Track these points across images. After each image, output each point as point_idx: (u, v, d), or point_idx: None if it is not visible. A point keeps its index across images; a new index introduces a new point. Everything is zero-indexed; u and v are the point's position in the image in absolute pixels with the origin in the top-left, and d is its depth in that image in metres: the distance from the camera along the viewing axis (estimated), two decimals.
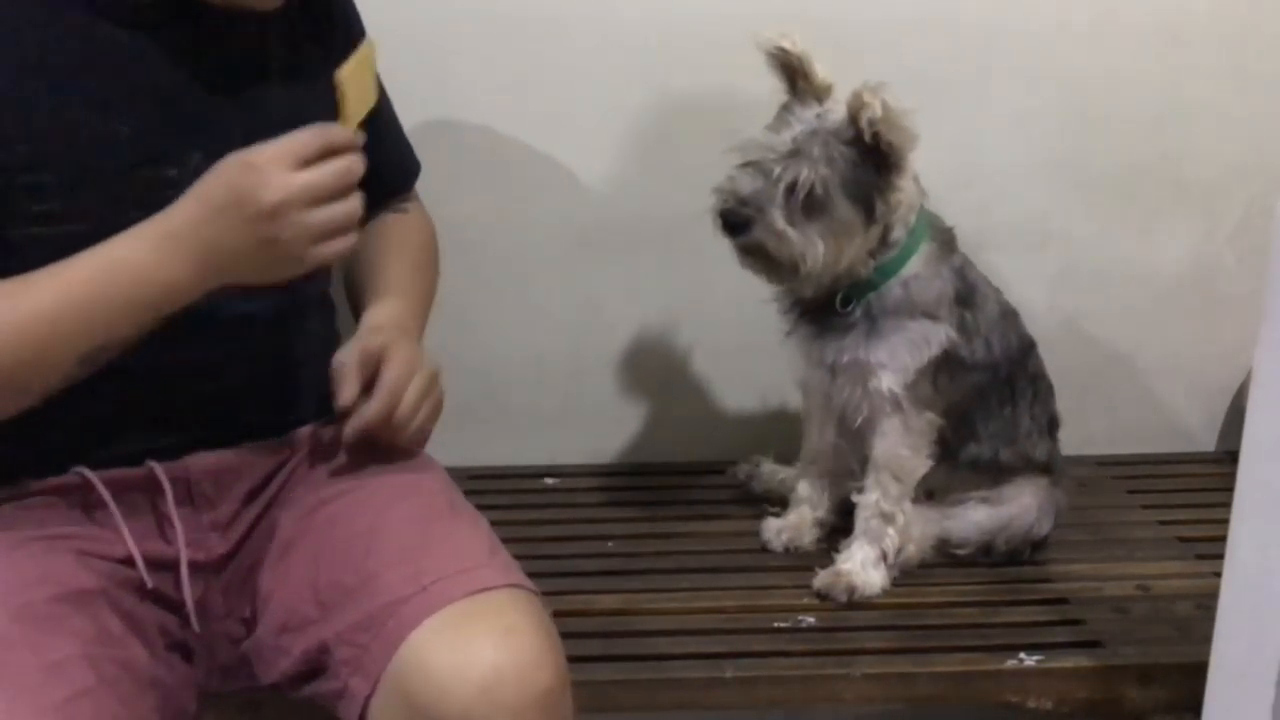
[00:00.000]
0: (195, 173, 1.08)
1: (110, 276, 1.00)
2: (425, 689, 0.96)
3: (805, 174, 1.22)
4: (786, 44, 1.25)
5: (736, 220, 1.25)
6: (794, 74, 1.27)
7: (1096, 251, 1.69)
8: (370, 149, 1.29)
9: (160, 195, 1.07)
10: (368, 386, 1.13)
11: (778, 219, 1.23)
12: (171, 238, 1.00)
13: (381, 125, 1.34)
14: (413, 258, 1.34)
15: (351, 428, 1.13)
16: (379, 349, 1.14)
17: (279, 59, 1.16)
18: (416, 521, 1.11)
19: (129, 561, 1.09)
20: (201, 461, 1.14)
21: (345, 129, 1.03)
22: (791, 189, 1.23)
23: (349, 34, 1.26)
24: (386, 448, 1.17)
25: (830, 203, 1.23)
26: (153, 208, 1.06)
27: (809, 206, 1.23)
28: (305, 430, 1.23)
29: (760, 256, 1.27)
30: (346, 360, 1.13)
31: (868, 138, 1.21)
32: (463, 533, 1.11)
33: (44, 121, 1.03)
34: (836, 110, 1.25)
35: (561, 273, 1.66)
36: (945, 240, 1.36)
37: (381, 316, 1.21)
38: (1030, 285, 1.63)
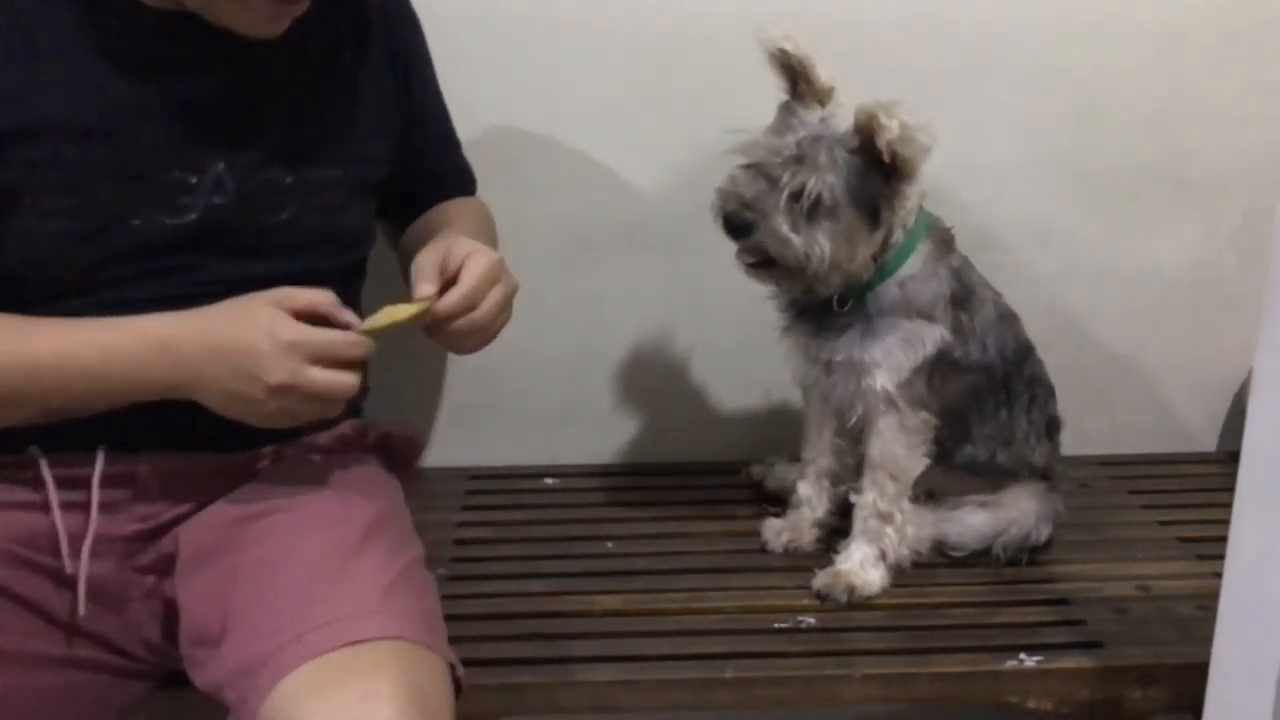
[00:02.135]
0: (216, 182, 1.10)
1: (103, 359, 1.03)
2: None
3: (812, 182, 1.21)
4: (789, 46, 1.24)
5: (739, 223, 1.25)
6: (796, 76, 1.26)
7: (1097, 251, 1.69)
8: (426, 160, 1.36)
9: (176, 201, 1.09)
10: (444, 287, 1.12)
11: (781, 224, 1.23)
12: (171, 351, 1.03)
13: (437, 136, 1.40)
14: (479, 221, 1.36)
15: (435, 320, 1.11)
16: (464, 252, 1.13)
17: (311, 70, 1.16)
18: (319, 558, 1.08)
19: (42, 542, 1.09)
20: (155, 460, 1.14)
21: (368, 342, 1.07)
22: (797, 196, 1.22)
23: (392, 40, 1.26)
24: (455, 343, 1.15)
25: (836, 209, 1.23)
26: (168, 212, 1.09)
27: (813, 212, 1.23)
28: (268, 449, 1.21)
29: (767, 266, 1.27)
30: (426, 259, 1.12)
31: (886, 158, 1.20)
32: (361, 574, 1.07)
33: (65, 121, 1.04)
34: (841, 115, 1.24)
35: (562, 272, 1.65)
36: (943, 240, 1.36)
37: (459, 231, 1.22)
38: (1030, 285, 1.63)
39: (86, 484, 1.12)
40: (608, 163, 1.61)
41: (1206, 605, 1.24)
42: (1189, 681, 1.13)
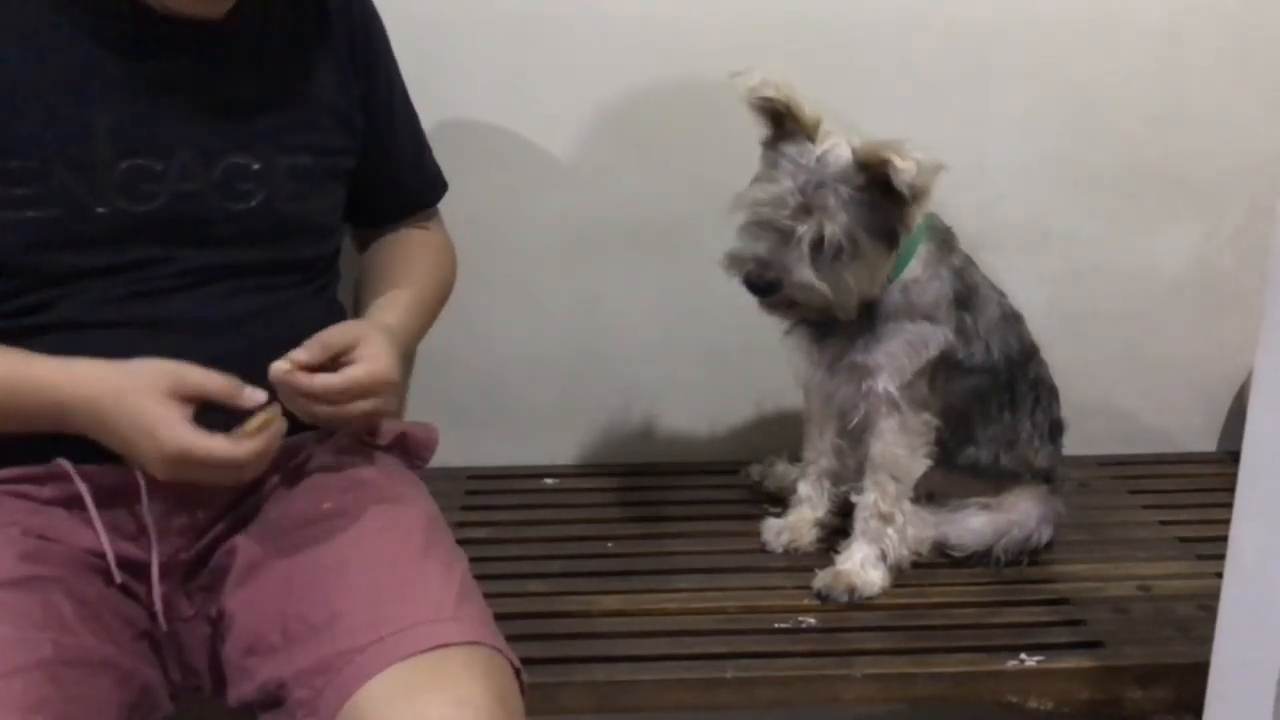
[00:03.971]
0: (183, 168, 1.10)
1: (28, 389, 1.05)
2: None
3: (830, 230, 1.20)
4: (772, 93, 1.22)
5: (763, 284, 1.24)
6: (780, 117, 1.25)
7: (1097, 251, 1.69)
8: (392, 162, 1.32)
9: (142, 187, 1.09)
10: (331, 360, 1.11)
11: (807, 275, 1.22)
12: (61, 413, 1.04)
13: (405, 139, 1.36)
14: (425, 269, 1.34)
15: (284, 379, 1.07)
16: (366, 353, 1.11)
17: (273, 60, 1.16)
18: (386, 562, 1.09)
19: (93, 551, 1.09)
20: None
21: (249, 446, 1.05)
22: (817, 244, 1.21)
23: (354, 37, 1.25)
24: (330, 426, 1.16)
25: (857, 247, 1.22)
26: (134, 198, 1.09)
27: (837, 257, 1.22)
28: (294, 441, 1.20)
29: (792, 307, 1.27)
30: (332, 335, 1.11)
31: (907, 195, 1.18)
32: (432, 578, 1.08)
33: (17, 109, 1.05)
34: (836, 151, 1.22)
35: (561, 272, 1.65)
36: (944, 240, 1.36)
37: (389, 318, 1.21)
38: (1031, 285, 1.63)
39: (121, 497, 1.11)
40: (608, 163, 1.61)
41: (1207, 605, 1.25)
42: (1189, 681, 1.13)
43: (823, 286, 1.23)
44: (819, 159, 1.22)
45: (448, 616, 1.03)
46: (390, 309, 1.24)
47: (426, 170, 1.41)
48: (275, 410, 1.07)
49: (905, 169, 1.16)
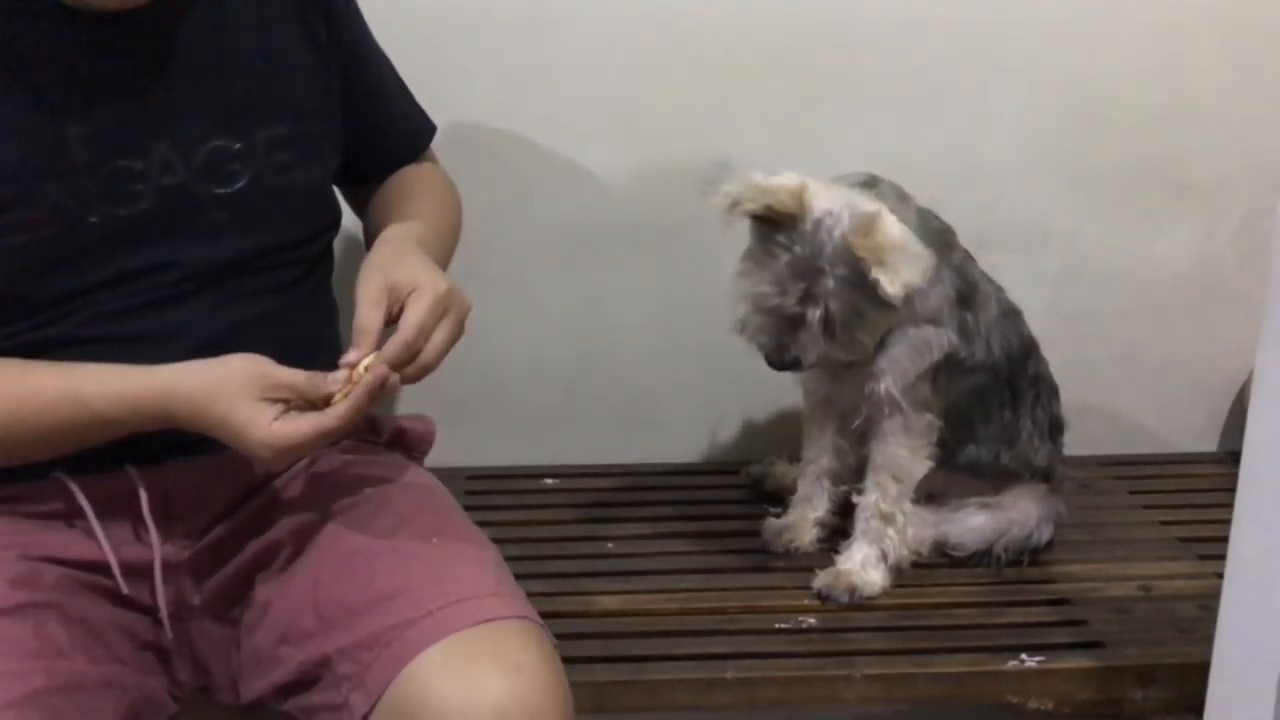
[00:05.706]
0: (162, 163, 1.08)
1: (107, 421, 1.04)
2: (429, 717, 0.95)
3: (835, 307, 1.22)
4: (751, 207, 1.21)
5: (787, 363, 1.27)
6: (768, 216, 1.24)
7: (1098, 251, 1.69)
8: (374, 118, 1.28)
9: (126, 189, 1.07)
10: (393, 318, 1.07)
11: (824, 348, 1.25)
12: (188, 407, 1.03)
13: (383, 93, 1.31)
14: (431, 196, 1.30)
15: (375, 372, 1.04)
16: (408, 288, 1.06)
17: (233, 31, 1.13)
18: (424, 543, 1.10)
19: (94, 565, 1.09)
20: (180, 468, 1.12)
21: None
22: (825, 323, 1.23)
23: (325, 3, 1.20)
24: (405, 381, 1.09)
25: (862, 316, 1.24)
26: (118, 202, 1.07)
27: (845, 325, 1.24)
28: None
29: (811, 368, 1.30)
30: (364, 314, 1.06)
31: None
32: (470, 557, 1.10)
33: None
34: (826, 229, 1.21)
35: (562, 272, 1.65)
36: (943, 241, 1.35)
37: (393, 231, 1.16)
38: (1031, 285, 1.62)
39: (120, 504, 1.10)
40: (608, 163, 1.61)
41: (1207, 605, 1.25)
42: (1190, 682, 1.13)
43: (839, 353, 1.26)
44: (812, 243, 1.22)
45: (491, 593, 1.04)
46: (402, 223, 1.18)
47: (411, 114, 1.35)
48: (359, 370, 1.05)
49: (890, 287, 1.18)
